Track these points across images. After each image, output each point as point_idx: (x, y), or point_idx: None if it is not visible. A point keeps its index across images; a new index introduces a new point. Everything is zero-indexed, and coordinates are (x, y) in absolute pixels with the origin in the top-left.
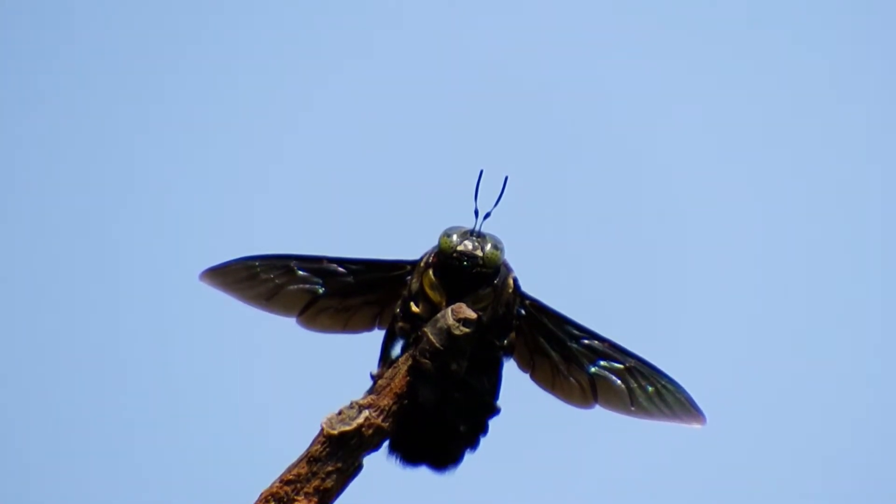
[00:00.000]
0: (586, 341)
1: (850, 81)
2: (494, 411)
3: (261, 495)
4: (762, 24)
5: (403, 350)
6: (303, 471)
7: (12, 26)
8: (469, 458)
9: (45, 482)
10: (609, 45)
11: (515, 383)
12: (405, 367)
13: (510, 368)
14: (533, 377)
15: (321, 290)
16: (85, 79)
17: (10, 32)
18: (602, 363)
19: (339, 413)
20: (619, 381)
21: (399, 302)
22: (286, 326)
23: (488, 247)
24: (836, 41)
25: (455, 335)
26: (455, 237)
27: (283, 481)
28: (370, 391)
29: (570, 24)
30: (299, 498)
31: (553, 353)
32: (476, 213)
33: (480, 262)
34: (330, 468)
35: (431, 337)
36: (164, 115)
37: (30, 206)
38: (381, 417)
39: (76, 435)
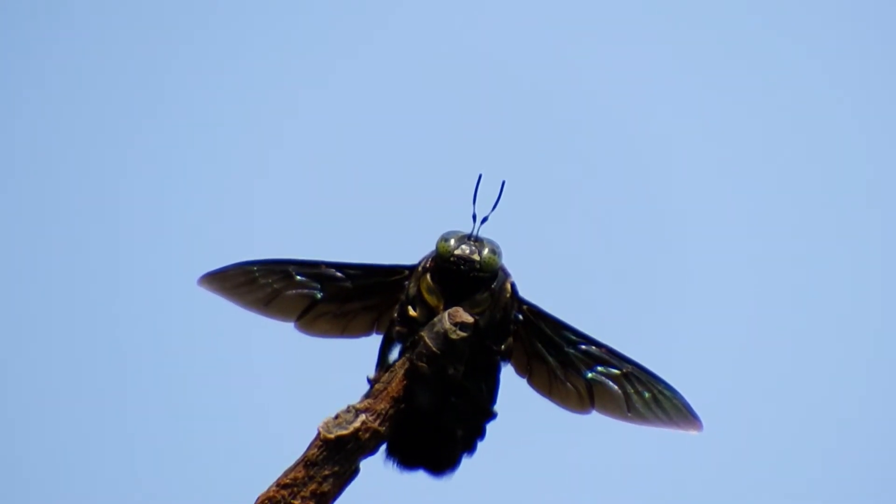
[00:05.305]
0: (584, 347)
1: (847, 81)
2: (491, 416)
3: (257, 499)
4: (763, 20)
5: (401, 354)
6: (299, 475)
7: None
8: (466, 462)
9: (42, 485)
10: (606, 49)
11: (512, 388)
12: (402, 371)
13: (507, 373)
14: (530, 382)
15: (319, 295)
16: (82, 80)
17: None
18: (599, 368)
19: (336, 417)
20: (615, 387)
21: (397, 306)
22: (284, 331)
23: (486, 251)
24: (836, 41)
25: (452, 339)
26: (452, 241)
27: (280, 485)
28: (367, 395)
29: (565, 25)
30: (296, 502)
31: (550, 359)
32: (474, 217)
33: (478, 266)
34: (327, 472)
35: (428, 341)
36: (161, 119)
37: (26, 209)
38: (378, 421)
39: (76, 438)
